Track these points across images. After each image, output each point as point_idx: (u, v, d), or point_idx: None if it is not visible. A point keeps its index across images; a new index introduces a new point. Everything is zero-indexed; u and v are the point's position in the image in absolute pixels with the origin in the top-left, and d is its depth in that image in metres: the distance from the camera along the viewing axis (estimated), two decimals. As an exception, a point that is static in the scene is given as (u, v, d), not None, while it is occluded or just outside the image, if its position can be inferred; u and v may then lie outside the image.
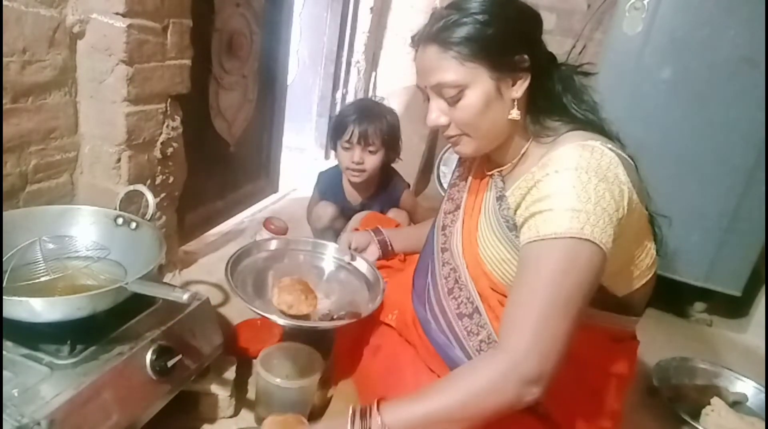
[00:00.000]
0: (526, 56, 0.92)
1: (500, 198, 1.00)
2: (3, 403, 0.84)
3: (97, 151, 1.45)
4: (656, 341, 1.90)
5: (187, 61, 1.56)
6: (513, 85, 0.94)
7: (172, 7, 1.44)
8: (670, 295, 2.11)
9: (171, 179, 1.64)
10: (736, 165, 1.92)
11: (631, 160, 0.92)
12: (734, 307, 2.19)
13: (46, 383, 0.91)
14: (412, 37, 0.99)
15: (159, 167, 1.57)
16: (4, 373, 0.90)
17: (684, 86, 1.92)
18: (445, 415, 0.83)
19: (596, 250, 0.81)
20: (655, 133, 1.94)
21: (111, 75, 1.37)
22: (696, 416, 1.52)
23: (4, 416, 0.83)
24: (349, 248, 1.43)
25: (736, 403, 1.65)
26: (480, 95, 0.93)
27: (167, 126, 1.55)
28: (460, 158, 1.21)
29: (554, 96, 0.98)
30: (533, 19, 0.98)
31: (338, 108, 3.33)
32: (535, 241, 0.84)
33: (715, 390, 1.66)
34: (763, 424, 1.52)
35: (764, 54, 1.79)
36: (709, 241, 2.02)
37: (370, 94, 3.41)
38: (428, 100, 0.99)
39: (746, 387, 1.71)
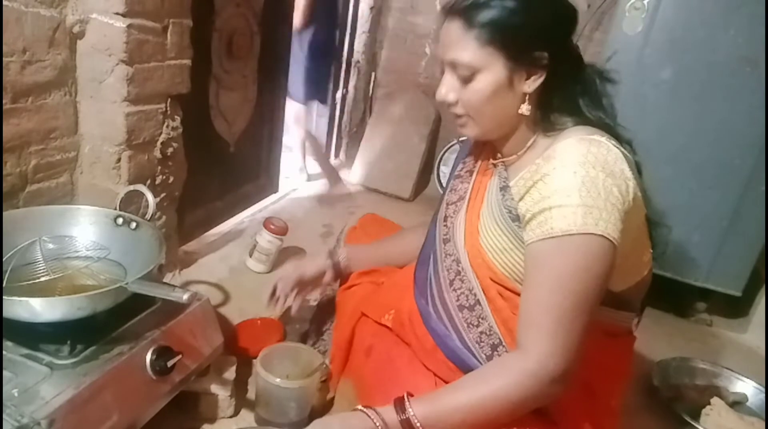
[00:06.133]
0: (546, 53, 0.91)
1: (504, 188, 1.00)
2: (3, 403, 0.84)
3: (97, 151, 1.45)
4: (656, 341, 1.90)
5: (187, 61, 1.56)
6: (527, 80, 0.93)
7: (172, 7, 1.44)
8: (670, 295, 2.11)
9: (171, 179, 1.64)
10: (736, 165, 1.92)
11: (635, 164, 0.92)
12: (734, 307, 2.19)
13: (46, 383, 0.91)
14: (443, 6, 0.96)
15: (159, 167, 1.57)
16: (4, 373, 0.90)
17: (684, 86, 1.92)
18: (473, 408, 0.87)
19: (609, 245, 0.83)
20: (655, 133, 1.94)
21: (111, 75, 1.37)
22: (696, 416, 1.52)
23: (4, 416, 0.83)
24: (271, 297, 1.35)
25: (736, 403, 1.65)
26: (491, 82, 0.92)
27: (167, 126, 1.55)
28: (464, 150, 1.20)
29: (571, 96, 0.96)
30: (565, 17, 0.95)
31: (338, 108, 3.33)
32: (548, 238, 0.85)
33: (715, 390, 1.66)
34: (763, 424, 1.52)
35: (764, 54, 1.79)
36: (709, 241, 2.02)
37: (370, 94, 3.41)
38: (443, 72, 0.98)
39: (746, 387, 1.71)
